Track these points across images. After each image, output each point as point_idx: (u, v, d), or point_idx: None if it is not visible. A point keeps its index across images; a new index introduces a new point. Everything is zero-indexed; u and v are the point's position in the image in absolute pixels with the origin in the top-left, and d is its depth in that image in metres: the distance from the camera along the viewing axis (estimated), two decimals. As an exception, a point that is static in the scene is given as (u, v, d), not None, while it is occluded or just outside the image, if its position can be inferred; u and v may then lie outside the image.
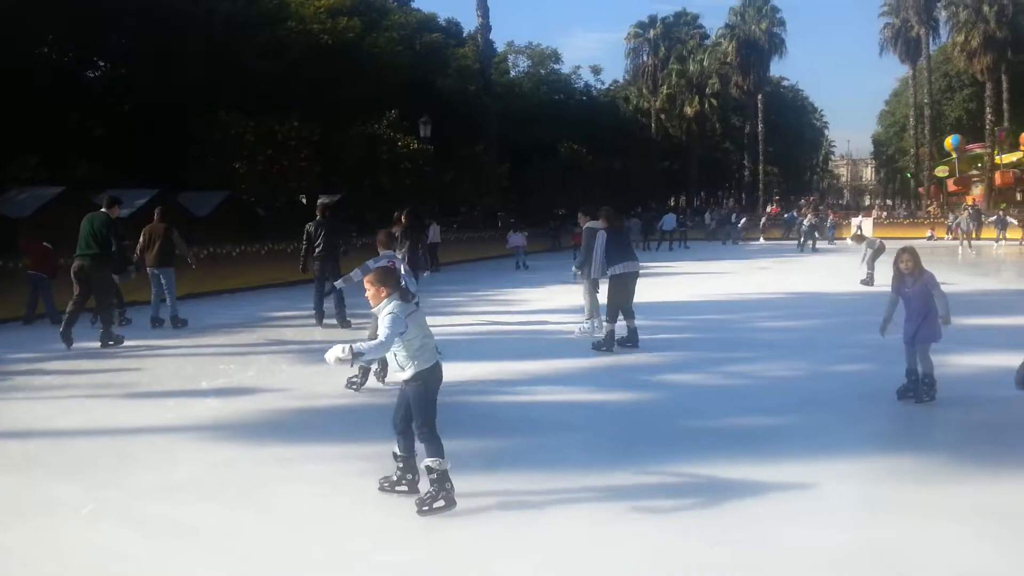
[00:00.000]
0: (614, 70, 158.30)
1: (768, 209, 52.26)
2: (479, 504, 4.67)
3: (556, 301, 14.17)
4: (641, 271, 10.30)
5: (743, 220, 40.76)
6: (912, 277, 6.75)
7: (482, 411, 7.14)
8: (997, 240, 33.06)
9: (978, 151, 53.02)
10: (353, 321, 11.76)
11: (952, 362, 8.67)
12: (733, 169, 70.70)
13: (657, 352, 9.79)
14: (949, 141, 54.02)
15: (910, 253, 6.85)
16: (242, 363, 9.25)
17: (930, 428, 6.53)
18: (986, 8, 48.90)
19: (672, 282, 19.20)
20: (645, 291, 16.79)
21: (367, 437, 6.09)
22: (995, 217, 34.91)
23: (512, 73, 49.91)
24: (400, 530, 4.38)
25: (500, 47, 48.08)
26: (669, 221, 36.66)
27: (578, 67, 62.19)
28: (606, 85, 63.29)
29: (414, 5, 39.18)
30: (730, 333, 11.63)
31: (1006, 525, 4.40)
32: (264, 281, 17.83)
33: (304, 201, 31.07)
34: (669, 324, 12.30)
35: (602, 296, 10.20)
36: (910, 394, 6.83)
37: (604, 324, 9.88)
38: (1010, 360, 8.89)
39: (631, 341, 9.81)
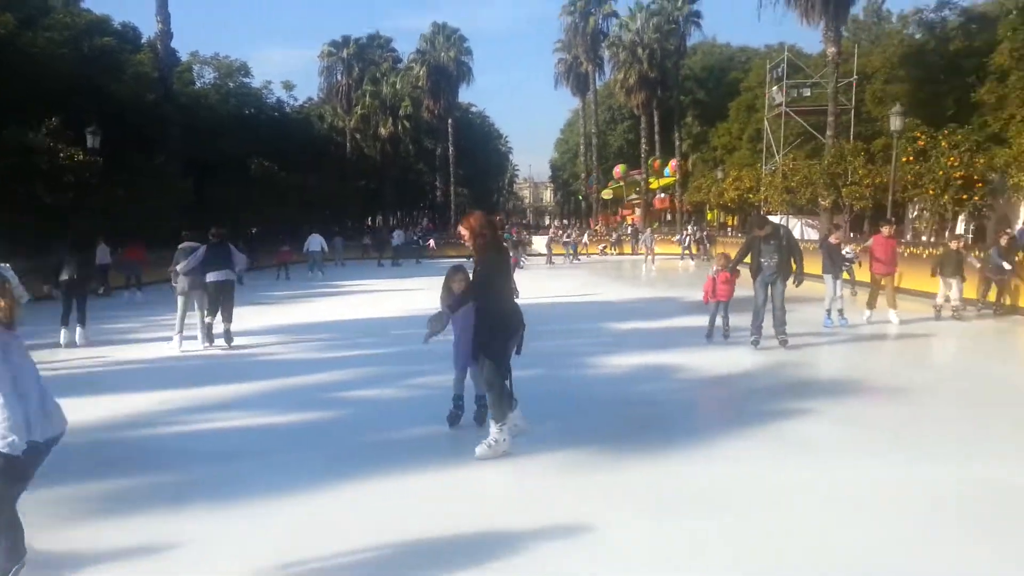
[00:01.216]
0: (308, 87, 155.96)
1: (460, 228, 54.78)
2: (162, 540, 4.43)
3: (242, 322, 13.57)
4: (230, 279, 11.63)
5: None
6: (463, 297, 6.24)
7: (168, 444, 6.67)
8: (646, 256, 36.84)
9: (636, 177, 60.16)
10: None
11: (610, 363, 9.76)
12: (427, 190, 72.97)
13: (346, 369, 9.85)
14: (616, 170, 61.44)
15: (463, 274, 6.62)
16: None
17: (595, 423, 7.24)
18: (640, 51, 55.62)
19: (363, 300, 19.37)
20: (335, 309, 16.95)
21: None
22: (646, 234, 38.89)
23: (198, 84, 47.05)
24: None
25: (184, 56, 45.15)
26: (397, 237, 38.83)
27: (269, 82, 60.34)
28: (300, 102, 62.21)
29: (84, 5, 35.47)
30: (416, 346, 11.98)
31: (664, 504, 5.06)
32: None
33: (-61, 218, 26.63)
34: (359, 340, 12.42)
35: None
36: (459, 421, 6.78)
37: (206, 321, 11.45)
38: (659, 359, 10.22)
39: (228, 340, 11.47)
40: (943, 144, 23.57)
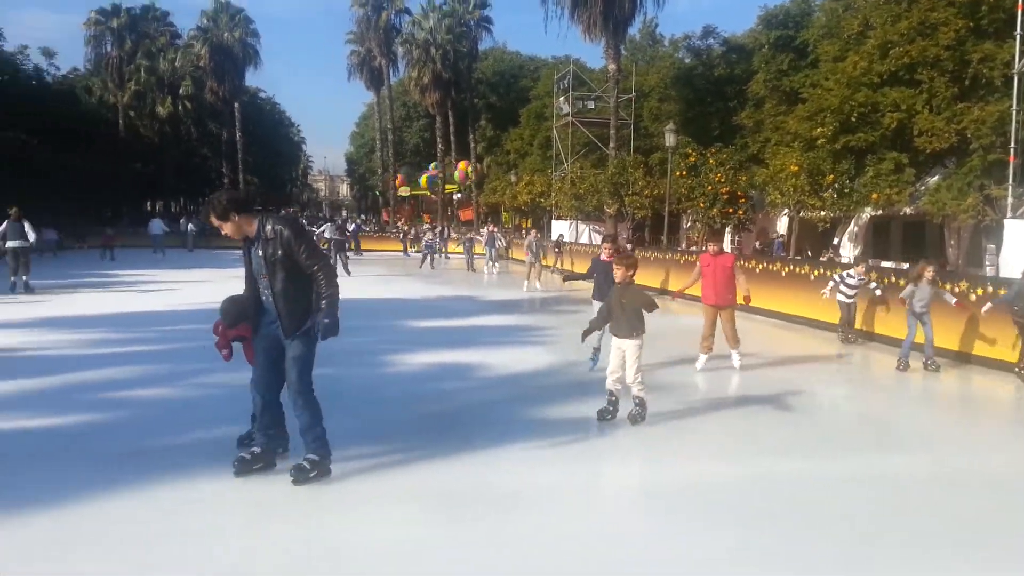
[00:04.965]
0: (74, 57, 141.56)
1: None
2: None
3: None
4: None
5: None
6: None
7: None
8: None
9: (437, 178, 60.56)
10: None
11: (405, 360, 9.72)
12: (212, 176, 69.00)
13: (122, 366, 9.05)
14: (425, 180, 61.51)
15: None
16: None
17: (384, 423, 7.14)
18: (433, 50, 55.77)
19: (146, 293, 17.95)
20: (110, 303, 15.56)
21: None
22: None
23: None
24: None
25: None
26: (156, 226, 36.68)
27: (25, 47, 54.06)
28: (63, 72, 56.45)
29: None
30: (205, 342, 11.28)
31: (446, 503, 5.08)
32: None
33: None
34: (139, 336, 11.51)
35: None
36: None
37: None
38: (449, 357, 10.25)
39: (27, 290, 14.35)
40: (711, 161, 25.82)
